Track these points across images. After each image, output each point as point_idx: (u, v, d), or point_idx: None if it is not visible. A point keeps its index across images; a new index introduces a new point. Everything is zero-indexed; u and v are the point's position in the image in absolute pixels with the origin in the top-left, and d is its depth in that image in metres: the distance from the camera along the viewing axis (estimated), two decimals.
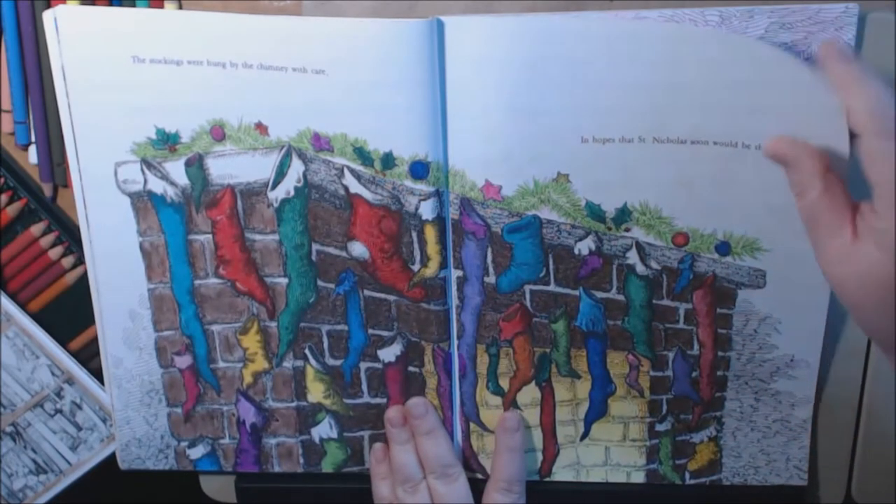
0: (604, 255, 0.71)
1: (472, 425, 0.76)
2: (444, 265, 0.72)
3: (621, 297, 0.72)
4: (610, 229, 0.70)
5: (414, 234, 0.71)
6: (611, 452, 0.77)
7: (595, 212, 0.69)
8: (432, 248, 0.71)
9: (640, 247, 0.70)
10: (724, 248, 0.70)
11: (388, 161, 0.69)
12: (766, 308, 0.71)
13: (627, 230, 0.70)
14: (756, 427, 0.74)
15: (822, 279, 0.64)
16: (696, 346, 0.73)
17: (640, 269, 0.71)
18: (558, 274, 0.72)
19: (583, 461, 0.77)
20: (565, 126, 0.67)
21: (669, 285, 0.71)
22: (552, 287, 0.72)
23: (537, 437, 0.77)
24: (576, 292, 0.72)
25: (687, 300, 0.72)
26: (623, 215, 0.69)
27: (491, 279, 0.72)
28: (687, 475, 0.77)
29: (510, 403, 0.75)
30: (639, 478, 0.77)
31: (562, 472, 0.78)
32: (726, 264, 0.70)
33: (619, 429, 0.76)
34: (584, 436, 0.77)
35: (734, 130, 0.65)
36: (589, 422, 0.76)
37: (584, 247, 0.71)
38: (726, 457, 0.76)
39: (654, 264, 0.71)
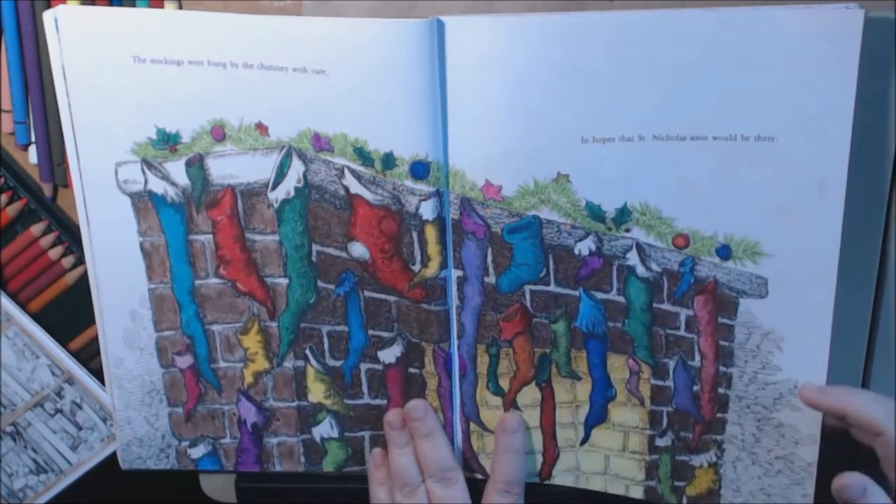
0: (604, 255, 0.70)
1: (472, 425, 0.76)
2: (444, 265, 0.72)
3: (621, 299, 0.71)
4: (610, 230, 0.69)
5: (414, 235, 0.71)
6: (610, 462, 0.76)
7: (595, 212, 0.69)
8: (433, 249, 0.71)
9: (640, 248, 0.70)
10: (724, 252, 0.68)
11: (389, 161, 0.69)
12: (768, 322, 0.69)
13: (627, 231, 0.69)
14: (758, 461, 0.72)
15: (825, 291, 0.66)
16: (697, 357, 0.72)
17: (640, 270, 0.70)
18: (558, 274, 0.71)
19: (582, 467, 0.77)
20: (565, 126, 0.67)
21: (670, 289, 0.70)
22: (552, 287, 0.72)
23: (537, 438, 0.76)
24: (576, 293, 0.72)
25: (688, 306, 0.71)
26: (623, 215, 0.69)
27: (491, 279, 0.72)
28: (685, 499, 0.75)
29: (510, 404, 0.75)
30: (637, 493, 0.76)
31: (561, 476, 0.77)
32: (727, 269, 0.69)
33: (619, 438, 0.75)
34: (585, 441, 0.76)
35: (733, 122, 0.65)
36: (589, 426, 0.76)
37: (585, 247, 0.70)
38: (725, 488, 0.74)
39: (654, 266, 0.70)
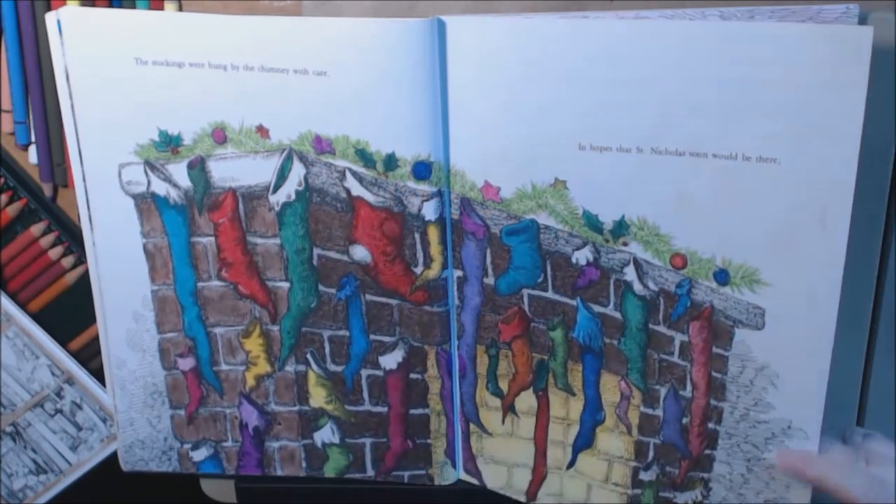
0: (601, 267, 0.69)
1: (471, 426, 0.76)
2: (446, 266, 0.72)
3: (618, 315, 0.70)
4: (608, 241, 0.68)
5: (417, 236, 0.71)
6: (592, 492, 0.74)
7: (592, 222, 0.68)
8: (435, 249, 0.71)
9: (637, 264, 0.67)
10: (722, 277, 0.65)
11: (391, 162, 0.69)
12: (763, 356, 0.65)
13: (625, 244, 0.67)
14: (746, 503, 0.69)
15: (824, 330, 0.62)
16: (689, 387, 0.69)
17: (637, 287, 0.68)
18: (556, 281, 0.70)
19: (565, 494, 0.75)
20: (563, 131, 0.66)
21: (666, 311, 0.68)
22: (550, 294, 0.71)
23: (530, 452, 0.76)
24: (574, 302, 0.71)
25: (683, 331, 0.68)
26: (621, 228, 0.67)
27: (490, 280, 0.72)
28: None
29: (508, 407, 0.75)
30: None
31: (545, 500, 0.76)
32: (724, 296, 0.65)
33: (604, 467, 0.73)
34: (571, 465, 0.75)
35: (734, 140, 0.62)
36: (576, 449, 0.74)
37: (582, 256, 0.69)
38: None
39: (651, 284, 0.68)
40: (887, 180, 0.69)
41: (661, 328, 0.69)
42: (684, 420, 0.69)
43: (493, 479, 0.78)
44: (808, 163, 0.61)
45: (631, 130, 0.64)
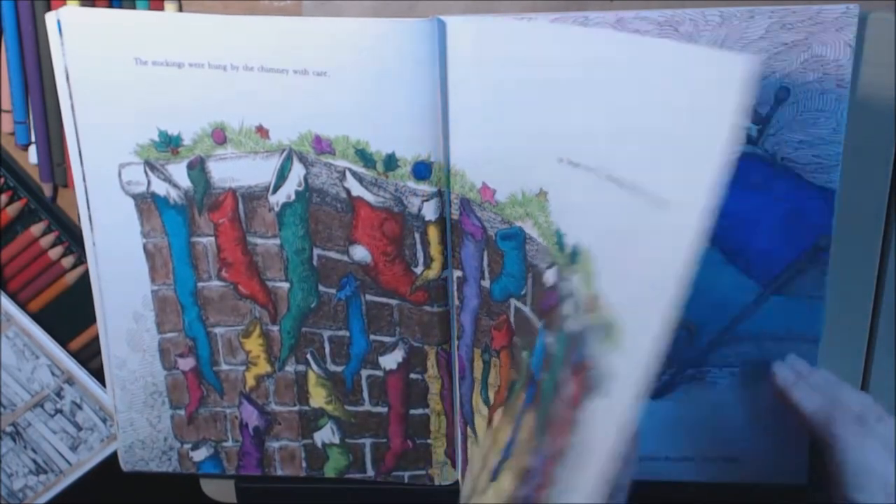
0: (559, 294, 0.60)
1: (468, 429, 0.76)
2: (446, 266, 0.72)
3: (554, 353, 0.59)
4: (566, 267, 0.60)
5: (417, 236, 0.71)
6: None
7: (560, 241, 0.62)
8: (435, 249, 0.71)
9: (576, 301, 0.57)
10: (604, 332, 0.52)
11: (391, 162, 0.68)
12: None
13: (573, 274, 0.58)
14: None
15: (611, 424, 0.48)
16: (551, 450, 0.55)
17: (567, 325, 0.58)
18: (533, 298, 0.67)
19: None
20: (547, 140, 0.63)
21: (569, 357, 0.56)
22: (527, 310, 0.67)
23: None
24: (539, 325, 0.64)
25: (568, 385, 0.55)
26: (575, 256, 0.59)
27: (486, 283, 0.72)
28: None
29: (490, 420, 0.73)
30: None
31: None
32: (601, 353, 0.51)
33: None
34: (483, 492, 0.64)
35: (660, 175, 0.50)
36: (491, 479, 0.63)
37: (550, 277, 0.63)
38: None
39: (575, 326, 0.56)
40: (887, 180, 0.69)
41: (565, 375, 0.56)
42: (537, 479, 0.57)
43: (463, 488, 0.77)
44: (680, 210, 0.48)
45: (597, 149, 0.57)
